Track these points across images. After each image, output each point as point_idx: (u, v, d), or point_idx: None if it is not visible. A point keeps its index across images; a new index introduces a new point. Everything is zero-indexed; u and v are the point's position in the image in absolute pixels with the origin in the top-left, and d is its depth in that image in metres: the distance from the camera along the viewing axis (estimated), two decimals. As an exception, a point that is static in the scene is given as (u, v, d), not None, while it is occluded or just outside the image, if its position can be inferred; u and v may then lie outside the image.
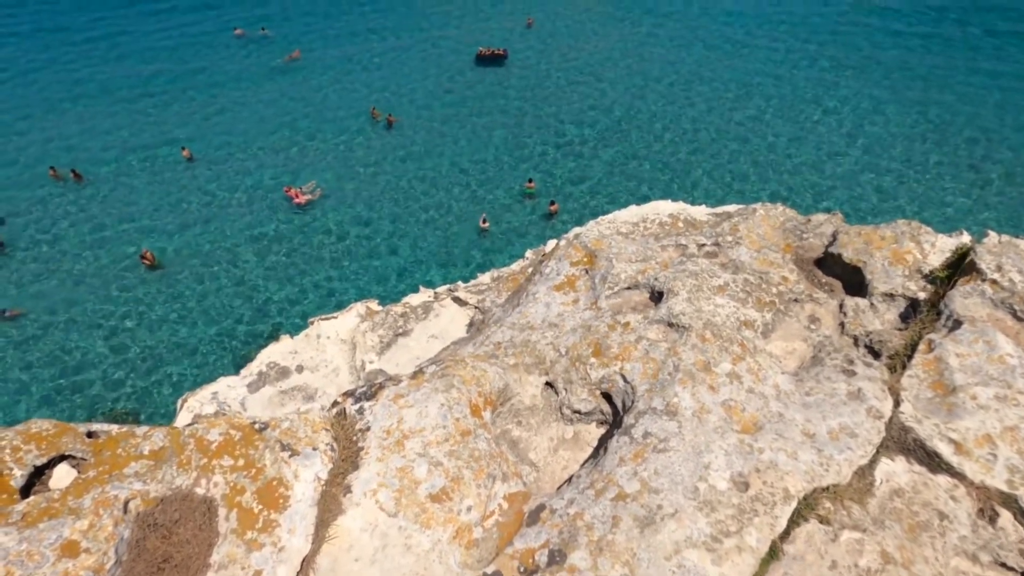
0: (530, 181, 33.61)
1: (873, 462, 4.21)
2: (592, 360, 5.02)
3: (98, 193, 34.65)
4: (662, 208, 6.80)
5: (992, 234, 5.55)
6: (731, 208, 7.00)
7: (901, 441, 4.31)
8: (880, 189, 31.65)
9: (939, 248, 5.86)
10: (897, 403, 4.46)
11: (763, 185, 32.97)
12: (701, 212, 6.95)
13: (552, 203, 32.01)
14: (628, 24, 50.40)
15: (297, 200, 33.11)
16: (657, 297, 5.46)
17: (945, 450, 4.12)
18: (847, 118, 37.70)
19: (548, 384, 5.16)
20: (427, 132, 38.74)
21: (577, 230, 6.35)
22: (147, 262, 29.62)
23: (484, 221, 31.08)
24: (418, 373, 4.80)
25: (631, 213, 6.62)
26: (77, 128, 40.23)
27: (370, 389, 4.71)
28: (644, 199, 31.40)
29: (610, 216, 6.61)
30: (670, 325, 5.10)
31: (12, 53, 49.63)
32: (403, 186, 34.40)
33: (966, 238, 5.88)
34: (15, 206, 33.87)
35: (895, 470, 4.18)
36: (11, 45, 50.89)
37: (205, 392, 8.21)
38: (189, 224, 32.40)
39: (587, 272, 5.80)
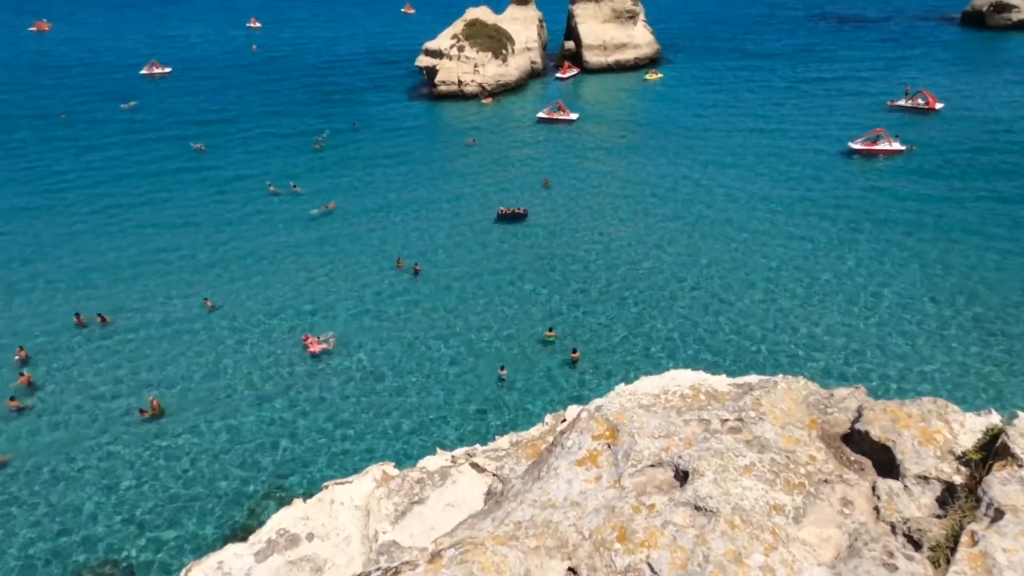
0: (550, 330, 34.20)
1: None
2: (617, 546, 4.82)
3: (116, 341, 35.46)
4: (682, 378, 6.82)
5: (1021, 415, 5.47)
6: (752, 379, 7.01)
7: (956, 650, 3.97)
8: (902, 357, 31.26)
9: (968, 428, 5.76)
10: (946, 605, 4.18)
11: (780, 350, 33.04)
12: (722, 383, 6.95)
13: (574, 351, 32.34)
14: (640, 186, 53.37)
15: (311, 349, 33.58)
16: (682, 476, 5.33)
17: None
18: (864, 282, 38.41)
19: (571, 570, 4.92)
20: (450, 283, 40.03)
21: (598, 402, 6.35)
22: (150, 412, 29.57)
23: (502, 369, 31.24)
24: (436, 557, 4.62)
25: (652, 384, 6.64)
26: (106, 278, 42.03)
27: (385, 575, 4.51)
28: (660, 359, 31.64)
29: (631, 387, 6.63)
30: (697, 508, 4.94)
31: (50, 201, 53.30)
32: (423, 337, 34.95)
33: (995, 418, 5.79)
34: (39, 349, 34.72)
35: None
36: (56, 193, 54.75)
37: (211, 561, 7.88)
38: (200, 374, 32.72)
39: (609, 447, 5.73)
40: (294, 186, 55.08)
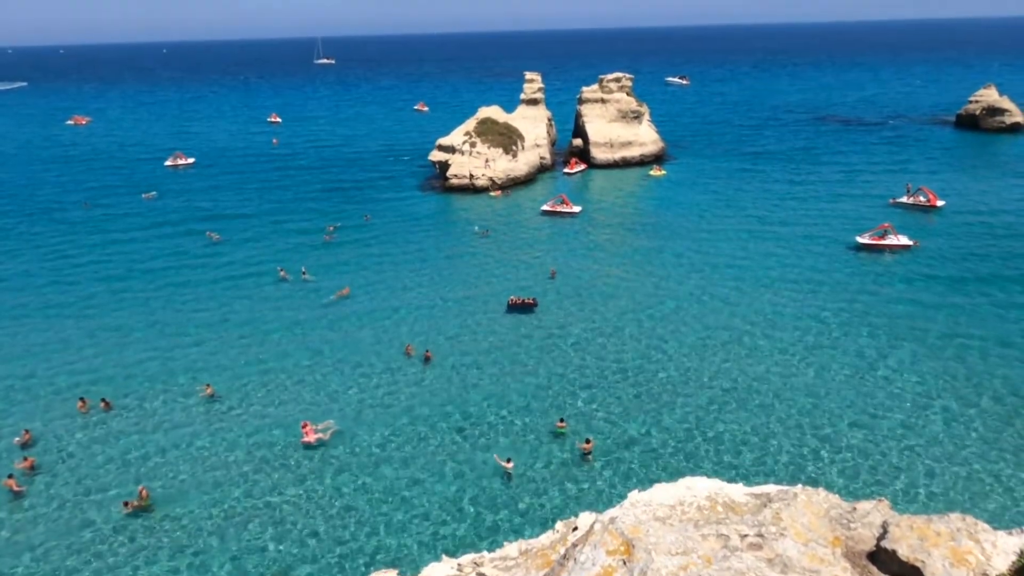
0: (561, 421, 33.61)
1: None
2: (635, 677, 4.51)
3: (116, 428, 35.06)
4: (698, 488, 6.61)
5: (1056, 536, 5.23)
6: (770, 489, 6.78)
7: None
8: (930, 473, 29.78)
9: (1000, 548, 5.50)
10: None
11: (796, 451, 32.22)
12: (739, 492, 6.73)
13: (587, 440, 31.65)
14: (646, 279, 53.85)
15: (307, 439, 32.84)
16: (702, 598, 5.06)
17: None
18: (880, 382, 37.83)
19: None
20: (459, 371, 39.78)
21: (612, 513, 6.13)
22: (136, 503, 28.68)
23: (508, 462, 30.38)
24: None
25: (667, 493, 6.43)
26: (112, 362, 42.16)
27: None
28: (672, 455, 30.86)
29: (646, 496, 6.42)
30: (719, 636, 4.65)
31: (64, 287, 54.20)
32: (428, 427, 34.34)
33: (1028, 538, 5.54)
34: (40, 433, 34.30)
35: None
36: (69, 282, 55.74)
37: None
38: (193, 464, 32.04)
39: (624, 564, 5.48)
40: (304, 273, 55.98)
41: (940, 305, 46.54)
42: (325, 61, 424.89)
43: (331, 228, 68.79)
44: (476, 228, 67.94)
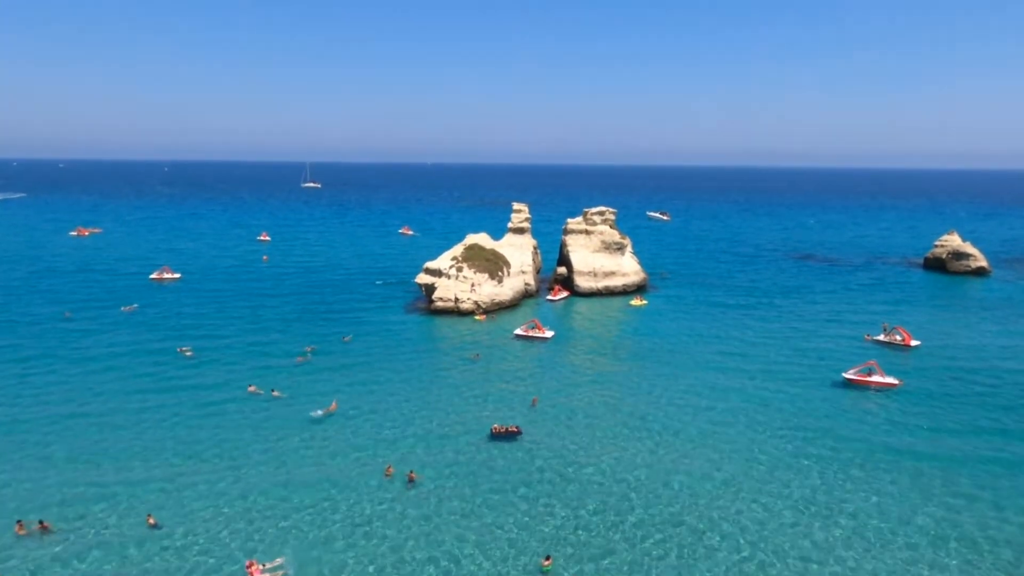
0: (547, 558, 31.74)
1: None
2: None
3: (53, 554, 32.41)
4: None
5: None
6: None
7: None
8: None
9: None
10: None
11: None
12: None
13: (547, 557, 31.30)
14: (628, 408, 53.04)
15: None
16: None
17: None
18: (873, 520, 36.61)
19: None
20: (438, 501, 37.85)
21: None
22: None
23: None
24: None
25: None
26: (59, 480, 39.84)
27: None
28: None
29: None
30: None
31: (23, 400, 52.16)
32: (400, 564, 31.97)
33: None
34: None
35: None
36: (30, 393, 53.79)
37: None
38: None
39: None
40: (274, 392, 54.70)
41: (924, 444, 45.88)
42: (312, 184, 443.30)
43: (308, 349, 67.65)
44: (469, 353, 67.44)
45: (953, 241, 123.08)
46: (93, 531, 34.60)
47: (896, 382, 58.30)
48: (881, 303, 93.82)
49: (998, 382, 59.27)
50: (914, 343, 71.36)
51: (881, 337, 73.57)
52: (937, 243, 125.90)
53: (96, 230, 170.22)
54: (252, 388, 55.51)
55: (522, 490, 39.33)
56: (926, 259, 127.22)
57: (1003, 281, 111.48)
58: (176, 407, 51.86)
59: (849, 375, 59.32)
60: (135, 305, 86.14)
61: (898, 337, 72.43)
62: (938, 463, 43.19)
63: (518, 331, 75.15)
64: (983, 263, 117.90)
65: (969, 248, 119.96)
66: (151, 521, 35.21)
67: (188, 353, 65.70)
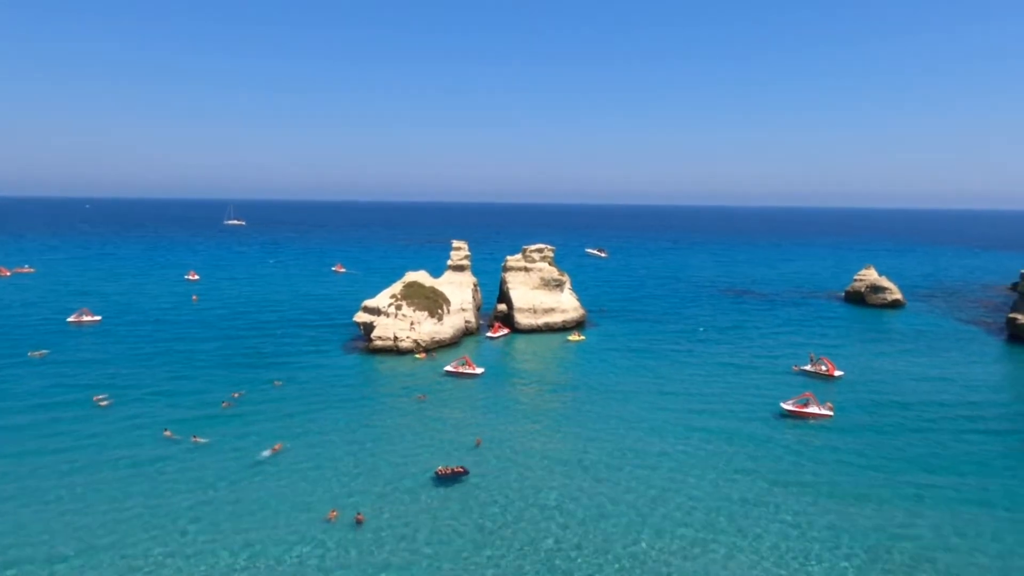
0: None
1: None
2: None
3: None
4: None
5: None
6: None
7: None
8: None
9: None
10: None
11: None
12: None
13: None
14: (569, 444, 52.87)
15: None
16: None
17: None
18: (814, 550, 37.24)
19: None
20: (383, 542, 36.25)
21: None
22: None
23: None
24: None
25: None
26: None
27: None
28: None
29: None
30: None
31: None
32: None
33: None
34: None
35: None
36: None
37: None
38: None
39: None
40: (195, 438, 52.03)
41: (857, 469, 47.44)
42: (235, 222, 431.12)
43: (235, 395, 64.45)
44: (415, 394, 65.82)
45: (870, 275, 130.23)
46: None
47: (831, 413, 60.41)
48: (807, 335, 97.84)
49: (921, 411, 62.25)
50: (837, 373, 74.42)
51: (808, 367, 76.44)
52: (856, 277, 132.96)
53: (28, 269, 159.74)
54: (168, 433, 52.78)
55: (468, 537, 38.21)
56: (847, 292, 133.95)
57: (916, 313, 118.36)
58: (87, 460, 48.29)
59: (787, 406, 61.08)
60: (45, 351, 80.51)
61: (823, 368, 75.41)
62: (865, 494, 44.61)
63: (448, 368, 74.51)
64: (898, 296, 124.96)
65: (885, 282, 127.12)
66: None
67: (104, 403, 61.53)
